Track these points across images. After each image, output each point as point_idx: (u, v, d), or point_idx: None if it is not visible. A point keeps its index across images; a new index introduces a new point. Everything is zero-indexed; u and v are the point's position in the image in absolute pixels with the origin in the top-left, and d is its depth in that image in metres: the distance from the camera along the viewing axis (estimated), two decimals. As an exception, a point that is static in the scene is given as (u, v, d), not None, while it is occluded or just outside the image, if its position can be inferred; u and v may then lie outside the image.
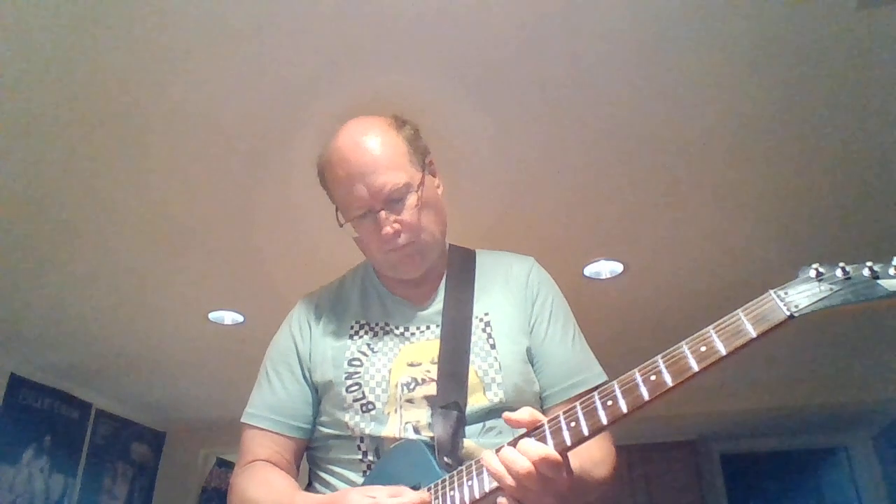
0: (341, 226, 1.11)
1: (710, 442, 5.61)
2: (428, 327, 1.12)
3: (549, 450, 0.80)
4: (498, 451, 0.85)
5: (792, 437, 5.63)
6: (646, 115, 2.12)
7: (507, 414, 0.86)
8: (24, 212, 2.57)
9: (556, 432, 0.82)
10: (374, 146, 1.07)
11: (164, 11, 1.70)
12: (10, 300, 3.31)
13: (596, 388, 1.08)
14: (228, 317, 3.57)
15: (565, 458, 0.81)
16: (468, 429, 1.01)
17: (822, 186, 2.49)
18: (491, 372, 1.05)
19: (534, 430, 0.84)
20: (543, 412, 1.08)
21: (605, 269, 3.12)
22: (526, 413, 0.85)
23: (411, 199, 1.06)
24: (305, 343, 1.15)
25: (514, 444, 0.83)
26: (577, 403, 0.82)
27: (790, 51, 1.85)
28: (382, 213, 1.05)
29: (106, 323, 3.59)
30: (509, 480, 0.80)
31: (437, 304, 1.14)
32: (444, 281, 1.17)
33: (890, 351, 3.92)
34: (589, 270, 3.12)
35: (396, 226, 1.05)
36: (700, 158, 2.33)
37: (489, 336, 1.09)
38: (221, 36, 1.78)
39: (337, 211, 1.13)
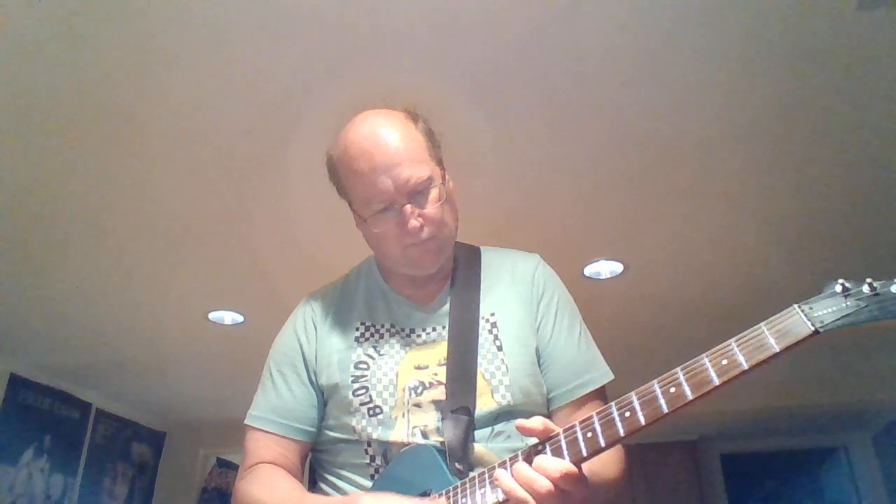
0: (365, 221, 1.08)
1: (710, 442, 5.61)
2: (434, 329, 1.10)
3: (567, 465, 0.78)
4: (512, 464, 0.83)
5: (792, 437, 5.62)
6: (647, 116, 2.11)
7: (519, 421, 0.85)
8: (23, 212, 2.56)
9: (572, 443, 0.81)
10: (395, 139, 1.04)
11: (163, 13, 1.69)
12: (10, 301, 3.30)
13: (603, 387, 1.07)
14: (228, 317, 3.56)
15: (580, 468, 0.80)
16: (477, 433, 1.00)
17: (821, 187, 2.48)
18: (498, 374, 1.03)
19: (548, 440, 0.83)
20: (550, 413, 1.07)
21: (605, 269, 3.12)
22: (538, 423, 0.83)
23: (434, 193, 1.05)
24: (311, 345, 1.12)
25: (528, 459, 0.82)
26: (594, 414, 0.81)
27: (790, 51, 1.85)
28: (408, 207, 1.02)
29: (106, 323, 3.59)
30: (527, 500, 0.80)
31: (444, 305, 1.12)
32: (449, 280, 1.15)
33: (890, 351, 3.92)
34: (589, 270, 3.12)
35: (421, 220, 1.03)
36: (700, 159, 2.32)
37: (496, 337, 1.07)
38: (220, 38, 1.78)
39: (351, 206, 1.11)
